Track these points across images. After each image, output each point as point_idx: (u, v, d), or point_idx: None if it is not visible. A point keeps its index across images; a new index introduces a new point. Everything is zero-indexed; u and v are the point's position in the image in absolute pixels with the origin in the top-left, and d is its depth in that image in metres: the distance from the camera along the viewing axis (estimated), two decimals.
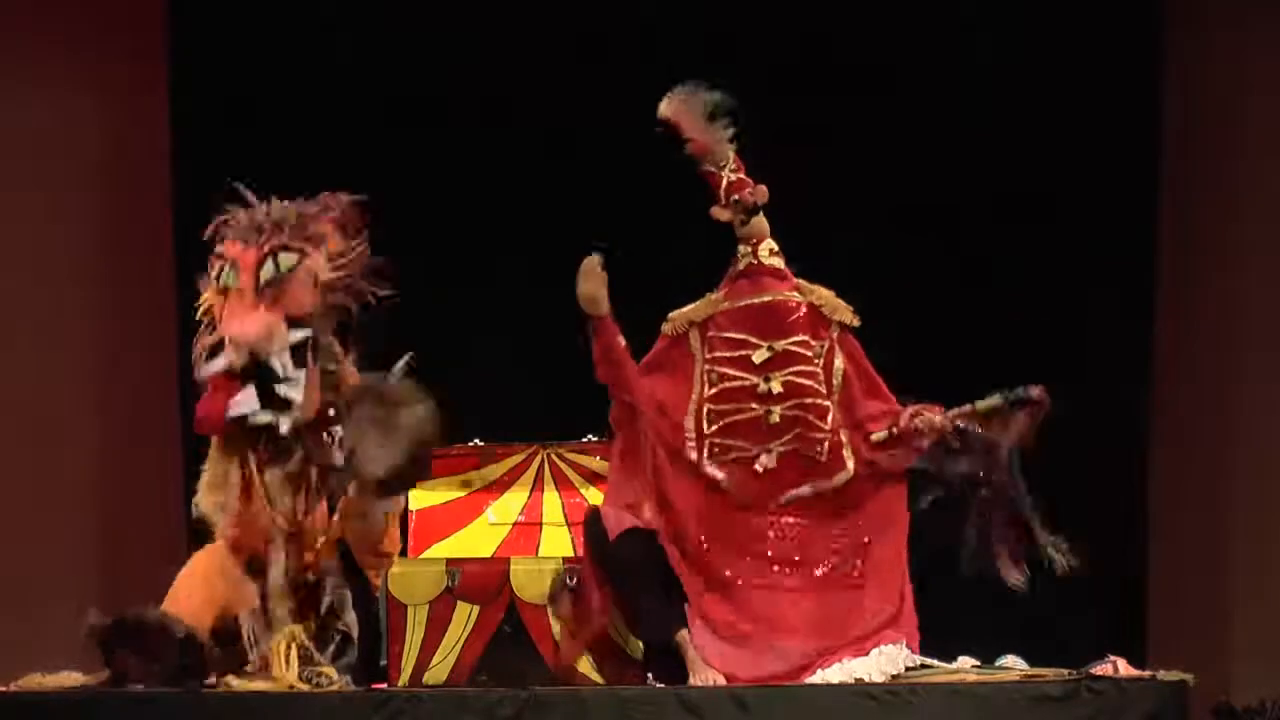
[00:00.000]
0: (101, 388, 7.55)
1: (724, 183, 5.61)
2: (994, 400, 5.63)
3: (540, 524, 6.00)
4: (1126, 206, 7.35)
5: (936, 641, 5.60)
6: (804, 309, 5.57)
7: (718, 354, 5.57)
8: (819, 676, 5.36)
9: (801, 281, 5.62)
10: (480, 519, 6.01)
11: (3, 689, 5.31)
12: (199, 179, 7.43)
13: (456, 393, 6.57)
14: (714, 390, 5.56)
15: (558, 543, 5.98)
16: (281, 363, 5.38)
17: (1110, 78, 7.34)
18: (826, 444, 5.53)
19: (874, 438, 5.59)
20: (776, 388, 5.53)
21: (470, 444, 6.12)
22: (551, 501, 6.04)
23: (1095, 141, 7.35)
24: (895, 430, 5.58)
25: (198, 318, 5.52)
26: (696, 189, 6.00)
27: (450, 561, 5.78)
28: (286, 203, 5.53)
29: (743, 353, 5.55)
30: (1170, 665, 5.33)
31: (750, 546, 5.52)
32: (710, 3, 7.41)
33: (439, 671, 5.52)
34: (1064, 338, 7.28)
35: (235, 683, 5.22)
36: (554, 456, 6.10)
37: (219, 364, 5.39)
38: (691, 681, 5.36)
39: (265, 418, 5.37)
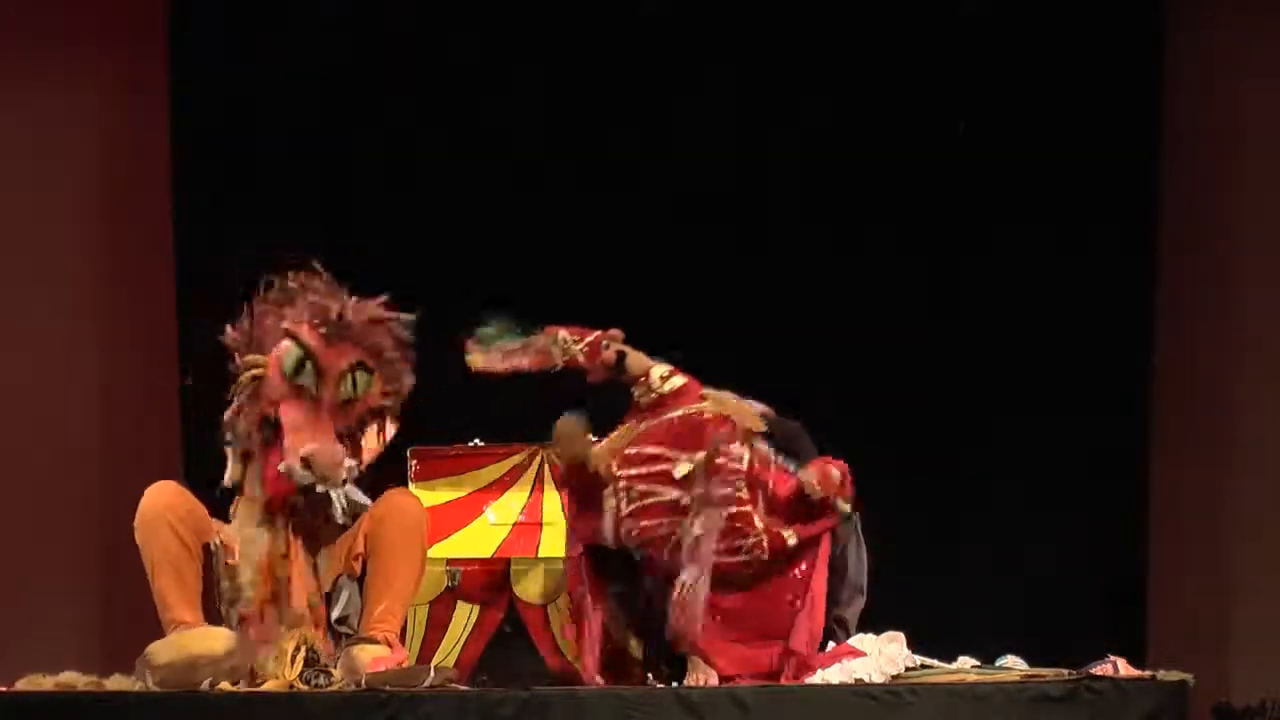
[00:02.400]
0: (101, 388, 7.55)
1: (579, 361, 5.55)
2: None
3: (540, 524, 6.00)
4: (1126, 207, 7.35)
5: (937, 641, 5.60)
6: (712, 419, 5.48)
7: (633, 471, 5.52)
8: (819, 677, 5.37)
9: (708, 391, 5.54)
10: (480, 519, 6.01)
11: (3, 689, 5.31)
12: (199, 179, 7.45)
13: (457, 393, 6.58)
14: (631, 508, 5.50)
15: (558, 543, 5.98)
16: (340, 505, 5.31)
17: (1110, 78, 7.34)
18: (754, 549, 5.47)
19: (790, 542, 5.51)
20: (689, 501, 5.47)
21: (470, 444, 6.12)
22: (552, 502, 6.04)
23: (1095, 141, 7.35)
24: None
25: (246, 383, 5.38)
26: (700, 191, 6.03)
27: (451, 561, 5.78)
28: (363, 303, 5.41)
29: (662, 468, 5.49)
30: (1170, 665, 5.33)
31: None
32: (710, 4, 7.42)
33: (454, 669, 5.52)
34: (1064, 338, 7.28)
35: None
36: (554, 457, 6.10)
37: (283, 468, 5.27)
38: (687, 681, 5.37)
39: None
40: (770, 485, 5.49)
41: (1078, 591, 7.20)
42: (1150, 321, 7.38)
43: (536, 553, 5.96)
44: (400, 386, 5.45)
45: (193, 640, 5.16)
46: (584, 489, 5.49)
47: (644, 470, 5.45)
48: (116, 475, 7.33)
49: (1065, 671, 5.31)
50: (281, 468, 5.27)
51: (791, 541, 5.43)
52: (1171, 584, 7.31)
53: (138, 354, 7.50)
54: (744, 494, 5.43)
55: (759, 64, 7.38)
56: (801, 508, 5.47)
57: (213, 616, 5.34)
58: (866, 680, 5.28)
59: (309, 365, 5.30)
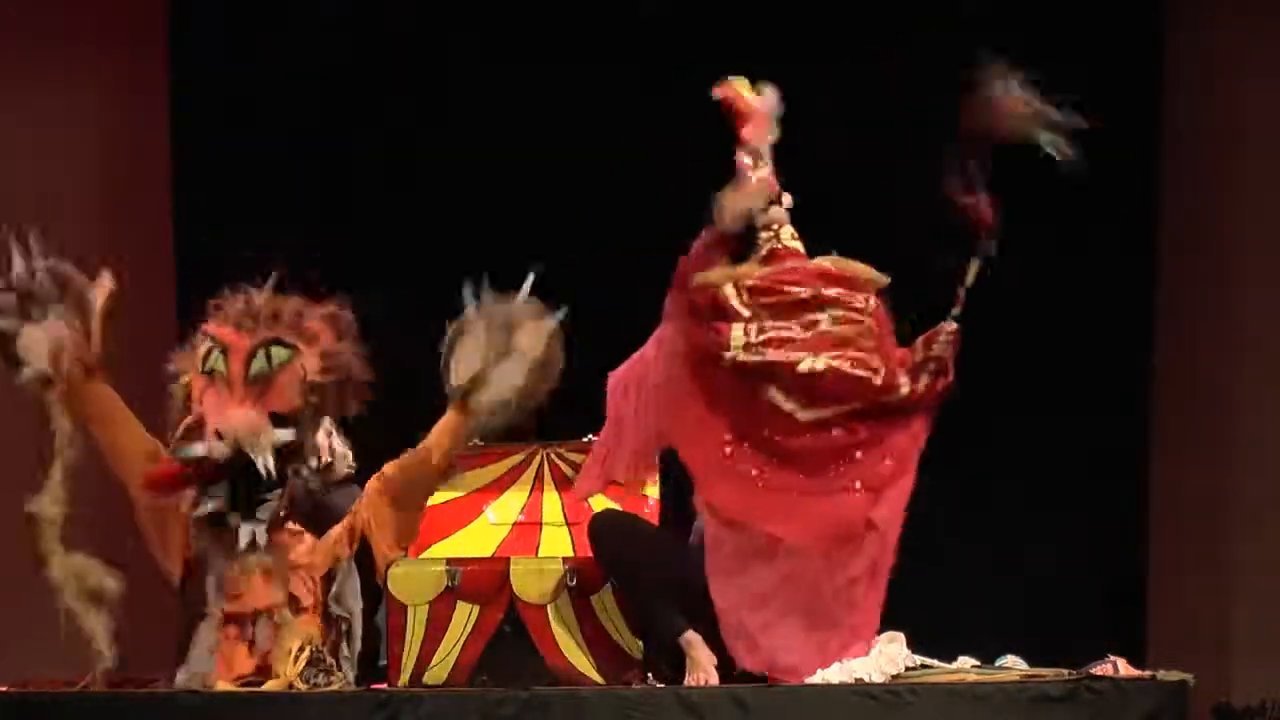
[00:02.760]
0: None
1: (753, 176, 5.64)
2: (974, 269, 5.65)
3: (540, 524, 6.00)
4: (1126, 207, 7.35)
5: (937, 641, 5.60)
6: (836, 273, 5.62)
7: (760, 300, 5.58)
8: (819, 677, 5.37)
9: (835, 257, 5.67)
10: (480, 519, 6.01)
11: (3, 689, 5.31)
12: (199, 179, 7.45)
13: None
14: (757, 325, 5.57)
15: (558, 543, 5.98)
16: (265, 465, 5.29)
17: (1110, 78, 7.34)
18: (880, 366, 5.54)
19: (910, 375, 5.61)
20: (824, 320, 5.56)
21: (470, 444, 6.12)
22: (551, 501, 6.04)
23: (1095, 141, 7.34)
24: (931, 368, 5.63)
25: (179, 394, 5.47)
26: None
27: (451, 561, 5.78)
28: (284, 295, 5.46)
29: (784, 297, 5.56)
30: (1170, 665, 5.33)
31: (782, 447, 5.53)
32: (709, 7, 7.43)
33: (439, 671, 5.52)
34: (1064, 338, 7.29)
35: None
36: (554, 456, 6.10)
37: (198, 450, 5.31)
38: (686, 681, 5.38)
39: (232, 522, 5.30)
40: (889, 341, 5.61)
41: (1078, 591, 7.20)
42: (1150, 321, 7.38)
43: (536, 552, 5.97)
44: (341, 367, 5.45)
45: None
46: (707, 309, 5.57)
47: (773, 300, 5.56)
48: (117, 476, 7.32)
49: (1065, 671, 5.31)
50: (200, 450, 5.30)
51: (903, 386, 5.53)
52: (1171, 584, 7.31)
53: (138, 354, 7.48)
54: (869, 340, 5.55)
55: (759, 60, 7.38)
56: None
57: None
58: (866, 680, 5.28)
59: (215, 351, 5.35)
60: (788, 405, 5.51)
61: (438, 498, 5.98)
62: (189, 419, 5.40)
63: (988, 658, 5.61)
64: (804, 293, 5.57)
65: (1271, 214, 7.37)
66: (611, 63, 7.39)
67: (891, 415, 5.61)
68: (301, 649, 5.27)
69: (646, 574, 5.51)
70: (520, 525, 6.01)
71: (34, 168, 7.51)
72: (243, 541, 5.28)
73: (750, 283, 5.58)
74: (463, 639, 5.70)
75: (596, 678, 5.63)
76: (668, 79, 7.37)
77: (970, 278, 5.66)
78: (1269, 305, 7.34)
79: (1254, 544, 7.31)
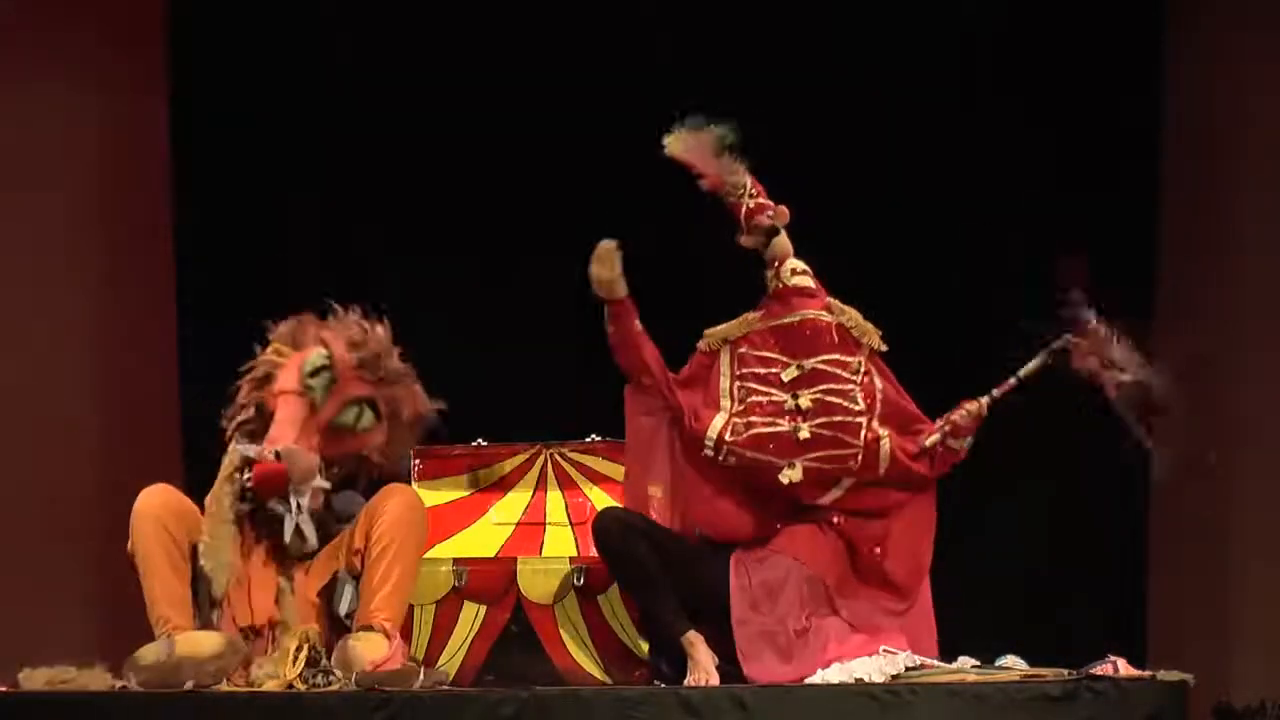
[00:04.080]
0: (101, 388, 7.55)
1: (744, 210, 5.65)
2: (1036, 364, 5.65)
3: (544, 524, 6.01)
4: (1126, 206, 7.35)
5: (937, 641, 5.60)
6: (833, 328, 5.60)
7: (747, 370, 5.60)
8: (819, 677, 5.37)
9: (832, 300, 5.69)
10: (484, 519, 6.01)
11: (3, 689, 5.31)
12: (199, 179, 7.45)
13: (460, 393, 6.58)
14: (742, 406, 5.59)
15: (562, 542, 5.98)
16: (296, 513, 5.38)
17: (1110, 78, 7.34)
18: (859, 458, 5.54)
19: (926, 442, 5.60)
20: (805, 403, 5.55)
21: (474, 444, 6.13)
22: (555, 501, 6.04)
23: (1095, 141, 7.35)
24: (946, 431, 5.61)
25: (259, 360, 5.48)
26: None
27: (457, 561, 5.78)
28: (394, 353, 5.53)
29: (772, 370, 5.58)
30: (1170, 665, 5.33)
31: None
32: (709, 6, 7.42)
33: (446, 671, 5.52)
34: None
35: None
36: (557, 456, 6.11)
37: (249, 451, 5.38)
38: (687, 682, 5.38)
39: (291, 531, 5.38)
40: (890, 401, 5.60)
41: (1078, 591, 7.20)
42: (1150, 321, 7.37)
43: (540, 552, 5.96)
44: (400, 454, 5.61)
45: (180, 643, 5.19)
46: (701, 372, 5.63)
47: (757, 370, 5.55)
48: (116, 475, 7.33)
49: (1065, 671, 5.31)
50: (253, 451, 5.33)
51: (884, 441, 5.48)
52: (1171, 584, 7.30)
53: (138, 354, 7.49)
54: (858, 405, 5.48)
55: (760, 56, 7.39)
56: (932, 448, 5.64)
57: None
58: (866, 680, 5.28)
59: (326, 374, 5.38)
60: (779, 496, 5.55)
61: (442, 498, 5.98)
62: (254, 396, 5.41)
63: (988, 658, 5.61)
64: (788, 371, 5.56)
65: (1271, 214, 7.36)
66: (612, 62, 7.39)
67: (885, 495, 5.62)
68: (301, 649, 5.27)
69: (650, 572, 5.51)
70: (524, 525, 6.01)
71: (34, 168, 7.51)
72: (286, 536, 5.36)
73: (741, 350, 5.60)
74: (469, 639, 5.70)
75: (603, 677, 5.64)
76: (667, 76, 7.38)
77: (1029, 371, 5.63)
78: (1269, 305, 7.34)
79: (1254, 544, 7.31)
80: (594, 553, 5.68)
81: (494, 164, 7.36)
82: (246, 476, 5.39)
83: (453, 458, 6.09)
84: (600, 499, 5.97)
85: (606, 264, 5.57)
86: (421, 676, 5.15)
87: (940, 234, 7.37)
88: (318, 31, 7.46)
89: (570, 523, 6.00)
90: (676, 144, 5.65)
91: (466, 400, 6.62)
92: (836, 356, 5.58)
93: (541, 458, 6.08)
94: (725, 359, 5.64)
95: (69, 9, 7.55)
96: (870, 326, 5.70)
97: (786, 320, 5.61)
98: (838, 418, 5.53)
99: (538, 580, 5.75)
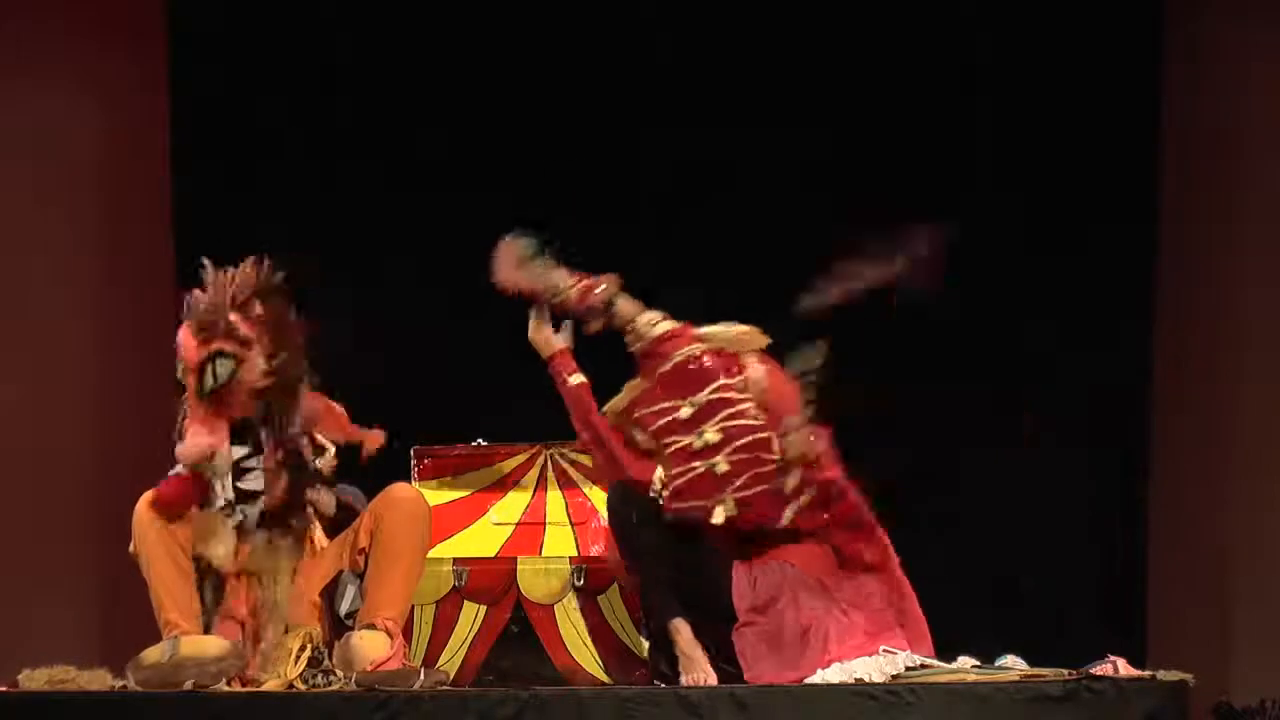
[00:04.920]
0: (101, 388, 7.55)
1: (572, 303, 5.60)
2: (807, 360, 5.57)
3: (544, 524, 6.00)
4: (1126, 207, 7.35)
5: (936, 641, 5.60)
6: (708, 357, 5.54)
7: (652, 428, 5.56)
8: (819, 677, 5.37)
9: (698, 330, 5.59)
10: (484, 519, 6.01)
11: (3, 689, 5.31)
12: (199, 179, 7.45)
13: (460, 393, 6.60)
14: (673, 472, 5.55)
15: (562, 542, 5.98)
16: (224, 490, 5.35)
17: (1110, 78, 7.34)
18: (770, 477, 5.49)
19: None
20: (711, 437, 5.51)
21: (474, 444, 6.12)
22: (555, 501, 6.04)
23: (1095, 141, 7.35)
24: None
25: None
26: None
27: (457, 561, 5.78)
28: (222, 285, 5.39)
29: (671, 418, 5.53)
30: (1170, 665, 5.33)
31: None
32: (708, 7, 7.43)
33: (446, 671, 5.52)
34: (1064, 338, 7.28)
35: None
36: (557, 456, 6.10)
37: (179, 468, 5.38)
38: (682, 680, 5.37)
39: (236, 512, 5.36)
40: (785, 401, 5.54)
41: (1078, 591, 7.20)
42: (1150, 321, 7.38)
43: (540, 552, 5.96)
44: (284, 358, 5.41)
45: (184, 645, 5.19)
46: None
47: (660, 424, 5.52)
48: (116, 475, 7.33)
49: (1065, 671, 5.31)
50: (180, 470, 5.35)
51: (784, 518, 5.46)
52: (1171, 584, 7.30)
53: (138, 354, 7.49)
54: (760, 419, 5.46)
55: (763, 57, 7.39)
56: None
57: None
58: (866, 680, 5.28)
59: (180, 366, 5.37)
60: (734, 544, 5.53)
61: (442, 498, 5.98)
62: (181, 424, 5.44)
63: (988, 658, 5.61)
64: (683, 411, 5.52)
65: (1271, 214, 7.36)
66: (612, 62, 7.39)
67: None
68: (302, 649, 5.26)
69: (656, 552, 5.49)
70: (524, 525, 6.01)
71: (34, 168, 7.51)
72: (249, 518, 5.36)
73: (636, 414, 5.57)
74: (470, 638, 5.70)
75: (603, 677, 5.63)
76: (667, 75, 7.39)
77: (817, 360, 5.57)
78: (1269, 305, 7.34)
79: (1254, 544, 7.31)
80: (594, 552, 5.68)
81: (494, 164, 7.37)
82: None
83: (453, 458, 6.09)
84: (600, 499, 5.96)
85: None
86: (422, 676, 5.15)
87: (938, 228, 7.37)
88: (318, 31, 7.46)
89: (570, 523, 6.00)
90: (502, 265, 5.60)
91: (467, 400, 6.63)
92: (722, 381, 5.52)
93: (541, 458, 6.08)
94: (631, 430, 5.60)
95: (69, 9, 7.56)
96: (744, 334, 5.59)
97: (665, 368, 5.56)
98: (746, 438, 5.48)
99: (538, 580, 5.75)
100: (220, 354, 5.34)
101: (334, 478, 5.63)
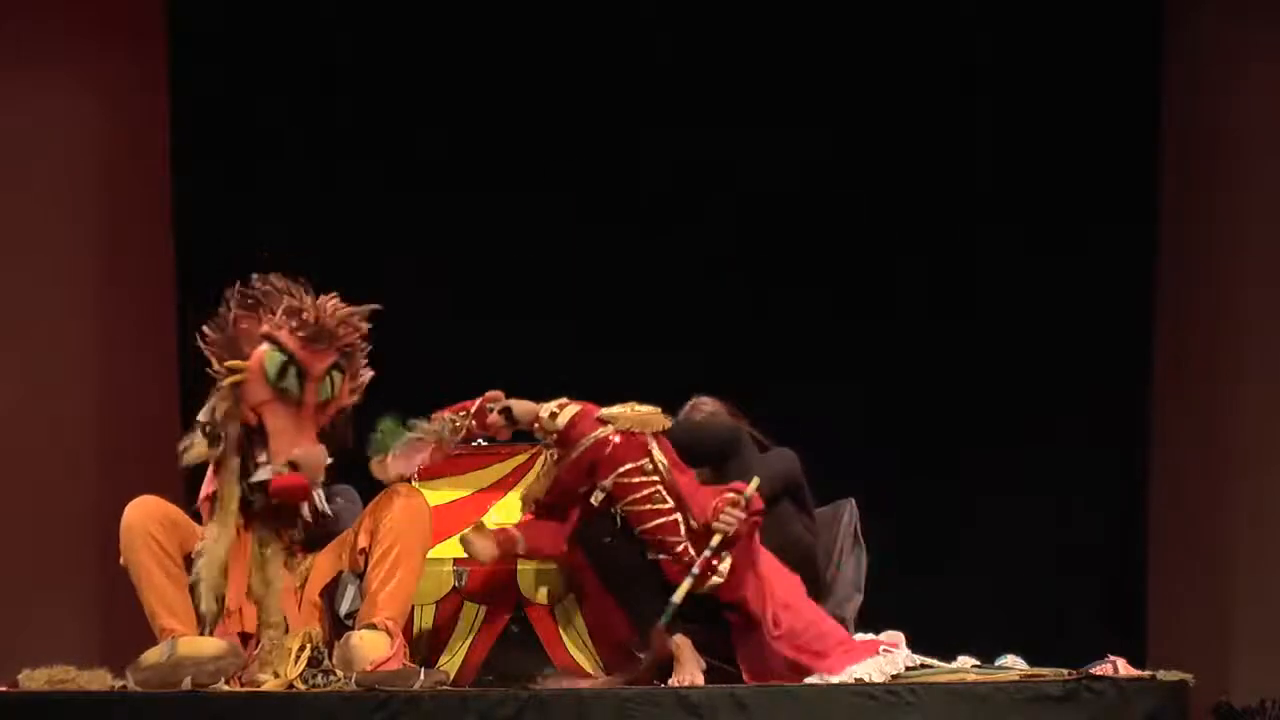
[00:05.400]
0: (101, 388, 7.55)
1: (475, 432, 5.63)
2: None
3: None
4: (1126, 207, 7.35)
5: (937, 641, 5.60)
6: (615, 439, 5.53)
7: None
8: (819, 677, 5.37)
9: (604, 412, 5.56)
10: (484, 519, 6.01)
11: (3, 689, 5.31)
12: (199, 179, 7.45)
13: (460, 393, 6.57)
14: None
15: None
16: (322, 503, 5.37)
17: (1110, 78, 7.34)
18: (689, 550, 5.48)
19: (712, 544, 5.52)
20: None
21: (474, 444, 6.12)
22: None
23: (1095, 141, 7.35)
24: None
25: (216, 371, 5.34)
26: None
27: (457, 561, 5.78)
28: (330, 301, 5.41)
29: (587, 505, 5.55)
30: (1170, 665, 5.33)
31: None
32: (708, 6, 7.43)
33: (446, 671, 5.52)
34: (1064, 338, 7.29)
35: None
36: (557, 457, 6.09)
37: (265, 474, 5.27)
38: (671, 681, 5.37)
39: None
40: (684, 482, 5.52)
41: (1078, 591, 7.20)
42: (1150, 321, 7.38)
43: None
44: (362, 382, 5.46)
45: (181, 645, 5.18)
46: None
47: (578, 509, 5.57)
48: (116, 475, 7.34)
49: (1065, 671, 5.30)
50: (267, 473, 5.28)
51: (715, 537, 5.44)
52: (1171, 584, 7.30)
53: (138, 354, 7.50)
54: (667, 503, 5.47)
55: (761, 64, 7.39)
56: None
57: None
58: (866, 680, 5.28)
59: (292, 370, 5.32)
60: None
61: (442, 498, 5.97)
62: (238, 418, 5.35)
63: (988, 658, 5.61)
64: (595, 495, 5.52)
65: (1271, 214, 7.36)
66: (614, 63, 7.39)
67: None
68: (302, 649, 5.26)
69: (635, 574, 5.50)
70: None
71: (34, 168, 7.51)
72: (308, 514, 5.33)
73: (551, 501, 5.61)
74: (469, 639, 5.69)
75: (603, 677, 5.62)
76: (667, 77, 7.39)
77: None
78: (1269, 305, 7.34)
79: (1254, 544, 7.31)
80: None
81: (494, 164, 7.37)
82: (259, 497, 5.35)
83: (453, 458, 6.08)
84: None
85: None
86: (422, 676, 5.15)
87: (939, 232, 7.37)
88: (318, 31, 7.46)
89: None
90: (386, 470, 5.51)
91: (466, 400, 6.61)
92: (627, 466, 5.52)
93: (542, 458, 6.07)
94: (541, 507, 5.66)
95: (69, 9, 7.56)
96: (647, 414, 5.54)
97: (574, 454, 5.56)
98: (651, 522, 5.50)
99: (538, 580, 5.73)
100: (337, 366, 5.35)
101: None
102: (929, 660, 5.50)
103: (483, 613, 5.73)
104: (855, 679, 5.29)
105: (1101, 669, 5.27)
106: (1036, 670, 5.42)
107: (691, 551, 5.44)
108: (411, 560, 5.39)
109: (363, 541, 5.43)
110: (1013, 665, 5.54)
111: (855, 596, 5.82)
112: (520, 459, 6.07)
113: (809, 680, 5.35)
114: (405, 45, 7.45)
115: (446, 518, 5.91)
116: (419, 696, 5.02)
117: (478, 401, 5.61)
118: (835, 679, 5.32)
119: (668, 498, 5.49)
